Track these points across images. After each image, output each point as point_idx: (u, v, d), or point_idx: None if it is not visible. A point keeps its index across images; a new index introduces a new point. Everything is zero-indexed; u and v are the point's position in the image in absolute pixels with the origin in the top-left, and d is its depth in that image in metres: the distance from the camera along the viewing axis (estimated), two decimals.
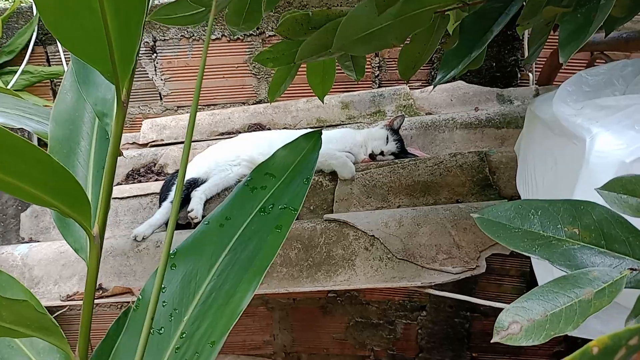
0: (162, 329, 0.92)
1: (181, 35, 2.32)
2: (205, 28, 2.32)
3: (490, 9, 0.92)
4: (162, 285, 0.98)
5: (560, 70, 2.04)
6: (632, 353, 0.29)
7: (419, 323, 2.46)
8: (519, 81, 2.27)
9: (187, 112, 2.47)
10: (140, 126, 2.32)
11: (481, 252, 1.41)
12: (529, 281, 2.32)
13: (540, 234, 0.62)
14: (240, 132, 2.22)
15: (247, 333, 2.57)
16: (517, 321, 0.52)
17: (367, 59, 2.32)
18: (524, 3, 0.90)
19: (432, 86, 0.95)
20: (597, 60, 1.84)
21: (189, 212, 1.67)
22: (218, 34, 2.35)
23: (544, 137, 0.87)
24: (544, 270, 0.88)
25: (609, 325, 0.73)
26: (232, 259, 0.94)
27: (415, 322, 2.47)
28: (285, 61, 1.30)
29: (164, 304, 0.93)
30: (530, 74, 2.12)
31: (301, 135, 1.05)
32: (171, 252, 0.98)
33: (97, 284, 1.66)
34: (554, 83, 2.09)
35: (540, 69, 2.14)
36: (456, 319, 2.46)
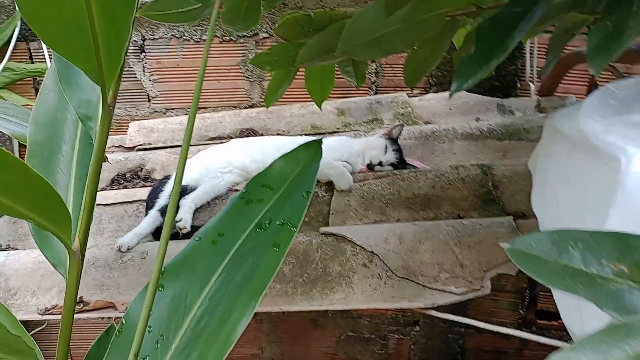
0: (147, 358, 0.83)
1: (171, 35, 2.23)
2: (197, 28, 2.24)
3: (509, 13, 0.85)
4: None
5: (562, 81, 1.98)
6: None
7: (412, 338, 2.39)
8: (518, 91, 2.21)
9: (177, 115, 2.37)
10: (127, 129, 2.23)
11: (486, 271, 1.34)
12: (525, 297, 2.26)
13: (582, 270, 0.54)
14: (231, 137, 2.14)
15: (234, 345, 2.47)
16: None
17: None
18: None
19: (448, 94, 0.88)
20: (607, 72, 1.78)
21: (177, 222, 1.58)
22: None
23: (567, 154, 0.80)
24: (567, 302, 0.81)
25: None
26: (225, 280, 0.86)
27: (408, 337, 2.39)
28: (283, 65, 1.23)
29: (149, 330, 0.84)
30: (531, 84, 2.06)
31: (300, 145, 0.98)
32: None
33: (78, 297, 1.57)
34: (556, 94, 2.03)
35: (541, 79, 2.08)
36: (450, 334, 2.39)
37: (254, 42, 2.27)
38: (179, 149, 2.07)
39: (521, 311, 2.34)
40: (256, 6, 1.04)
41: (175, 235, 1.63)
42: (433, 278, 1.36)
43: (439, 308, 1.33)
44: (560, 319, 0.85)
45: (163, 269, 0.89)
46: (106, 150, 2.20)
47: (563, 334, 2.18)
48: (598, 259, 0.54)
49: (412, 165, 1.74)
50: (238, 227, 0.92)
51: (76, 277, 0.96)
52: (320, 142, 0.99)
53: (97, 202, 1.77)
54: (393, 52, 1.03)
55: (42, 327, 2.31)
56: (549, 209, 0.85)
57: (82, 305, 1.52)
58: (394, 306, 1.34)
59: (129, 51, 2.28)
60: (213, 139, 2.15)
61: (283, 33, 1.13)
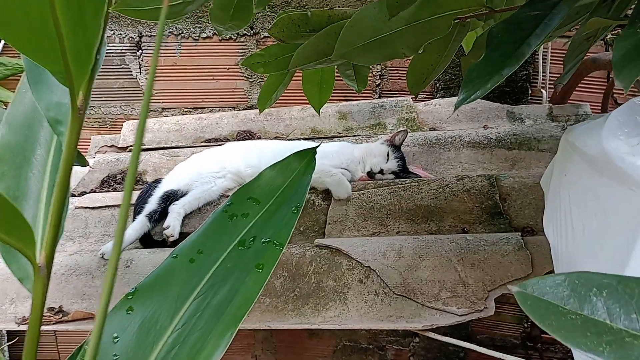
0: None
1: (169, 32, 2.15)
2: (196, 26, 2.16)
3: (524, 17, 0.77)
4: (115, 335, 0.80)
5: (576, 89, 1.89)
6: None
7: (411, 349, 2.31)
8: (529, 98, 2.12)
9: (172, 115, 2.29)
10: (121, 128, 2.15)
11: (490, 291, 1.26)
12: None
13: (607, 325, 0.45)
14: (228, 139, 2.06)
15: (226, 353, 2.39)
16: None
17: (370, 67, 2.16)
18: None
19: (453, 107, 0.79)
20: None
21: (164, 228, 1.50)
22: (209, 32, 2.18)
23: (586, 176, 0.72)
24: None
25: None
26: (201, 305, 0.78)
27: (407, 348, 2.31)
28: (278, 67, 1.15)
29: (115, 358, 0.76)
30: (543, 91, 1.97)
31: (292, 154, 0.90)
32: (130, 290, 0.81)
33: (58, 305, 1.49)
34: (569, 101, 1.94)
35: (556, 88, 1.99)
36: (450, 346, 2.31)
37: (254, 41, 2.19)
38: (174, 150, 1.99)
39: (525, 324, 2.26)
40: (247, 4, 0.96)
41: (163, 242, 1.56)
42: (433, 297, 1.28)
43: (438, 329, 1.25)
44: None
45: (134, 288, 0.81)
46: (98, 149, 2.11)
47: (568, 351, 2.09)
48: (627, 311, 0.46)
49: (415, 174, 1.65)
50: (219, 244, 0.84)
51: (41, 294, 0.87)
52: (314, 151, 0.91)
53: (84, 205, 1.70)
54: (395, 56, 0.95)
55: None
56: (563, 235, 0.77)
57: (61, 315, 1.44)
58: (390, 327, 1.25)
59: (125, 48, 2.21)
60: (209, 140, 2.07)
61: (278, 33, 1.05)
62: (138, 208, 1.61)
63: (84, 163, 1.28)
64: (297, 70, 1.19)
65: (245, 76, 2.24)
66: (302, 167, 0.92)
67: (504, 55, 0.74)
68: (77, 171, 1.96)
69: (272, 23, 1.04)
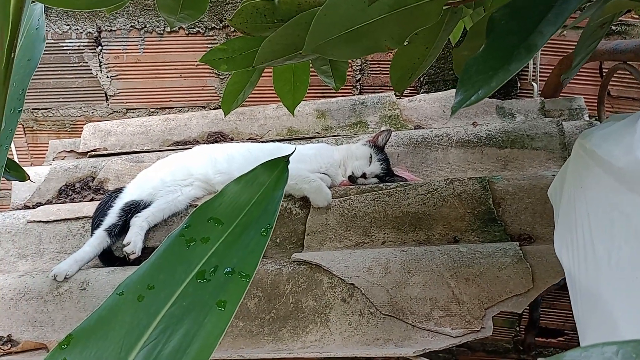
0: None
1: (131, 26, 1.98)
2: (161, 19, 1.99)
3: (531, 1, 0.63)
4: None
5: (570, 82, 1.77)
6: None
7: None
8: (519, 91, 2.00)
9: (138, 116, 2.12)
10: (82, 131, 1.98)
11: (487, 309, 1.14)
12: (520, 314, 2.08)
13: None
14: (198, 142, 1.90)
15: None
16: None
17: (348, 61, 2.02)
18: None
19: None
20: (620, 71, 1.57)
21: (124, 245, 1.35)
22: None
23: (611, 191, 0.59)
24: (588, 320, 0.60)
25: None
26: (151, 354, 0.64)
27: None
28: (243, 63, 1.00)
29: None
30: (534, 84, 1.85)
31: (261, 165, 0.76)
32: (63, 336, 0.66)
33: (7, 334, 1.34)
34: (562, 95, 1.82)
35: (545, 79, 1.87)
36: (440, 353, 2.20)
37: (224, 35, 2.03)
38: (138, 155, 1.83)
39: (517, 328, 2.16)
40: None
41: (125, 260, 1.40)
42: (425, 316, 1.15)
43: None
44: (560, 337, 0.63)
45: (70, 334, 0.66)
46: (57, 154, 1.93)
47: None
48: None
49: (400, 177, 1.52)
50: (173, 276, 0.71)
51: None
52: (286, 160, 0.78)
53: (37, 218, 1.54)
54: (377, 50, 0.81)
55: None
56: (582, 261, 0.64)
57: (10, 345, 1.29)
58: (377, 353, 1.12)
59: (83, 44, 2.03)
60: (177, 143, 1.91)
61: (240, 24, 0.90)
62: (97, 221, 1.46)
63: (23, 177, 1.12)
64: (268, 68, 1.05)
65: (215, 73, 2.08)
66: (273, 180, 0.79)
67: (510, 47, 0.61)
68: (33, 180, 1.79)
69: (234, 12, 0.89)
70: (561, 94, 1.83)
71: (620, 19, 1.82)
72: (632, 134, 0.56)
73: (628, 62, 1.43)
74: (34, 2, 0.69)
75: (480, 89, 0.60)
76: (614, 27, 1.85)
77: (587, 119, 1.75)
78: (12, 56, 0.58)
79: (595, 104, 1.74)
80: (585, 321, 0.65)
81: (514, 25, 0.62)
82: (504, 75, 0.59)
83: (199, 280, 0.68)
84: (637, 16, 1.72)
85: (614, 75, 1.75)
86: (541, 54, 1.87)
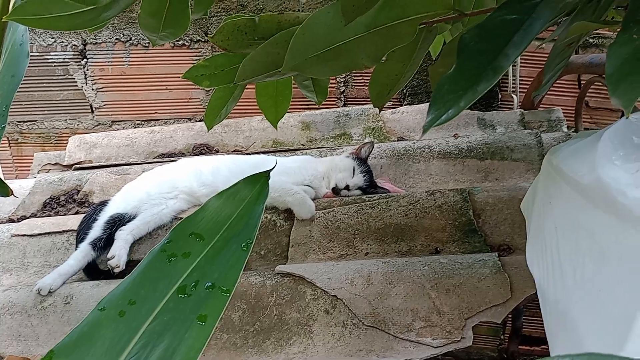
0: None
1: (116, 39, 1.99)
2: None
3: (500, 22, 0.66)
4: None
5: (547, 93, 1.81)
6: None
7: None
8: (499, 103, 2.04)
9: (124, 128, 2.13)
10: (67, 143, 1.97)
11: (467, 319, 1.15)
12: (505, 323, 2.10)
13: None
14: (184, 154, 1.91)
15: None
16: None
17: None
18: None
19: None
20: (597, 83, 1.61)
21: (109, 258, 1.35)
22: None
23: (576, 207, 0.61)
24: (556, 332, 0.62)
25: None
26: None
27: None
28: (225, 79, 1.02)
29: None
30: (514, 96, 1.89)
31: (242, 180, 0.78)
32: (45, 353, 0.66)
33: None
34: (541, 106, 1.86)
35: (524, 90, 1.91)
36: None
37: (209, 48, 2.05)
38: (123, 168, 1.83)
39: (502, 336, 2.18)
40: (183, 9, 0.82)
41: (110, 274, 1.40)
42: (406, 327, 1.17)
43: None
44: (543, 345, 0.65)
45: (52, 350, 0.67)
46: (42, 167, 1.93)
47: None
48: None
49: (383, 189, 1.54)
50: (154, 292, 0.72)
51: None
52: (267, 175, 0.79)
53: (22, 232, 1.54)
54: (355, 67, 0.83)
55: None
56: (551, 275, 0.66)
57: None
58: None
59: (68, 57, 2.04)
60: (163, 155, 1.92)
61: (222, 42, 0.92)
62: (81, 235, 1.46)
63: (7, 192, 1.12)
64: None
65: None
66: (254, 195, 0.81)
67: (478, 68, 0.63)
68: (17, 193, 1.78)
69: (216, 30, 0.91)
70: (541, 106, 1.87)
71: (597, 31, 1.87)
72: (594, 152, 0.58)
73: (603, 75, 1.47)
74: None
75: (450, 108, 0.62)
76: (591, 40, 1.90)
77: (566, 130, 1.79)
78: None
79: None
80: (554, 333, 0.67)
81: (483, 47, 0.65)
82: (472, 95, 0.62)
83: (180, 295, 0.69)
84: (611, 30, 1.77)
85: (593, 86, 1.79)
86: (521, 66, 1.91)
